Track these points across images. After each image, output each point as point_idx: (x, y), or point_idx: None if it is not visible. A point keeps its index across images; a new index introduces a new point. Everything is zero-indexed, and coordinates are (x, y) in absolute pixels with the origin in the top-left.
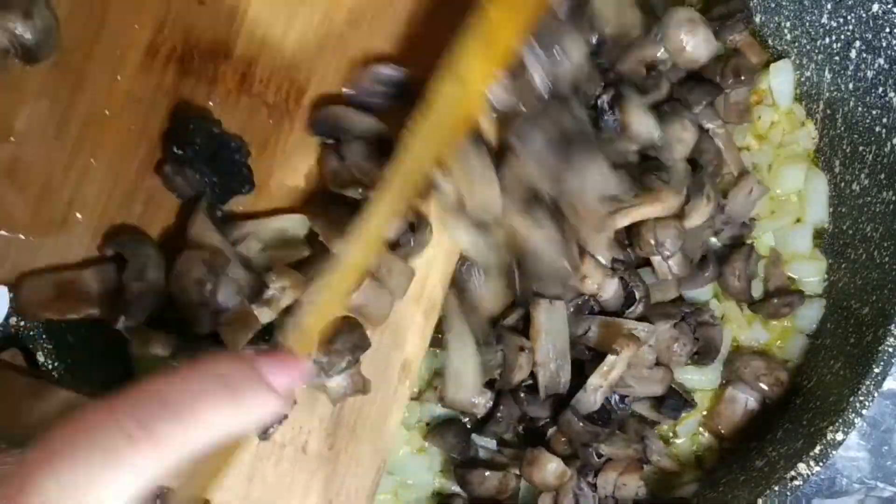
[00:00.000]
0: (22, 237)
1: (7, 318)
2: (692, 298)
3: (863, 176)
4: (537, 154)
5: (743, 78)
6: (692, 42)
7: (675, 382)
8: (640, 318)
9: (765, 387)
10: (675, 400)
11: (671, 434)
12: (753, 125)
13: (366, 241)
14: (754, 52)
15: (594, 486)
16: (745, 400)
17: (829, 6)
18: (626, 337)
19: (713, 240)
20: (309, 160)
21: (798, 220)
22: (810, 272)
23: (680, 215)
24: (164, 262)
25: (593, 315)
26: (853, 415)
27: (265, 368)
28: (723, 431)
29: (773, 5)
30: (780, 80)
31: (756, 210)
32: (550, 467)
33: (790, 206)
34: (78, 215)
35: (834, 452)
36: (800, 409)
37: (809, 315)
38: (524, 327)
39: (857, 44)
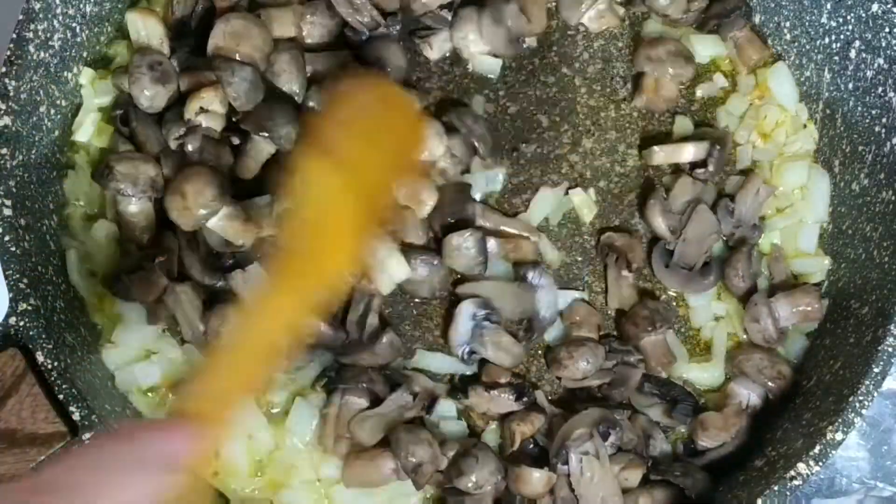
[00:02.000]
0: None
1: (7, 317)
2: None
3: (862, 176)
4: None
5: None
6: None
7: (683, 381)
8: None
9: (768, 381)
10: (686, 404)
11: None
12: (759, 123)
13: (257, 329)
14: (755, 48)
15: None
16: (747, 396)
17: (828, 6)
18: None
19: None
20: None
21: (800, 220)
22: (814, 269)
23: None
24: None
25: None
26: (853, 414)
27: (160, 442)
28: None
29: (772, 5)
30: (779, 82)
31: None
32: (535, 478)
33: (798, 205)
34: None
35: (833, 452)
36: (800, 409)
37: None
38: None
39: (857, 44)
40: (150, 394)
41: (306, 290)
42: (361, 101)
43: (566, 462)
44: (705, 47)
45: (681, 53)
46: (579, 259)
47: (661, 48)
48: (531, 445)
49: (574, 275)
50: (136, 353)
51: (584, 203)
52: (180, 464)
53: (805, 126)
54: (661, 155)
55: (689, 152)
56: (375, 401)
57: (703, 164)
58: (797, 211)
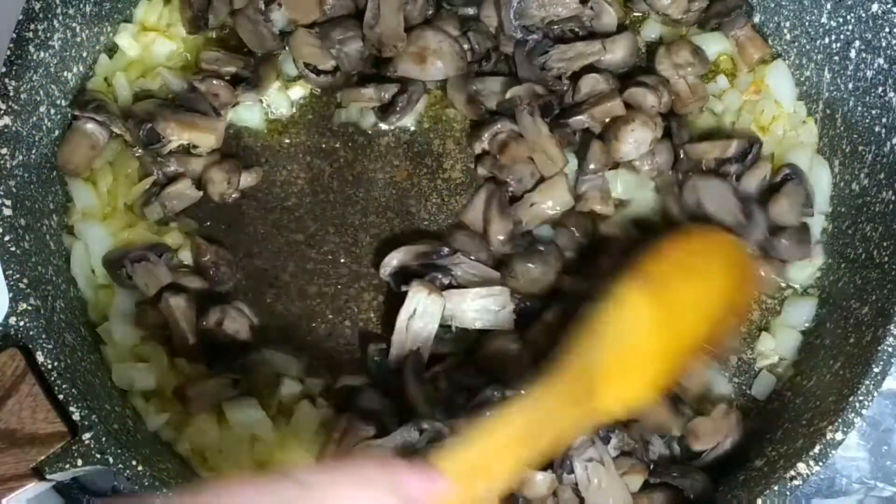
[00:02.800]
0: None
1: (7, 317)
2: None
3: (862, 176)
4: None
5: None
6: None
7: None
8: None
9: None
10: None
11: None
12: (757, 117)
13: (529, 423)
14: (757, 46)
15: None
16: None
17: (828, 6)
18: None
19: None
20: None
21: None
22: (802, 265)
23: None
24: None
25: None
26: (853, 414)
27: (404, 476)
28: None
29: (772, 5)
30: (777, 80)
31: None
32: (538, 480)
33: None
34: None
35: (833, 452)
36: (800, 408)
37: (801, 312)
38: None
39: (857, 44)
40: (148, 399)
41: (588, 401)
42: (695, 247)
43: (571, 471)
44: (709, 45)
45: (697, 52)
46: None
47: (682, 52)
48: None
49: None
50: (123, 352)
51: None
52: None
53: (805, 122)
54: (708, 150)
55: (732, 148)
56: (381, 430)
57: (732, 160)
58: None
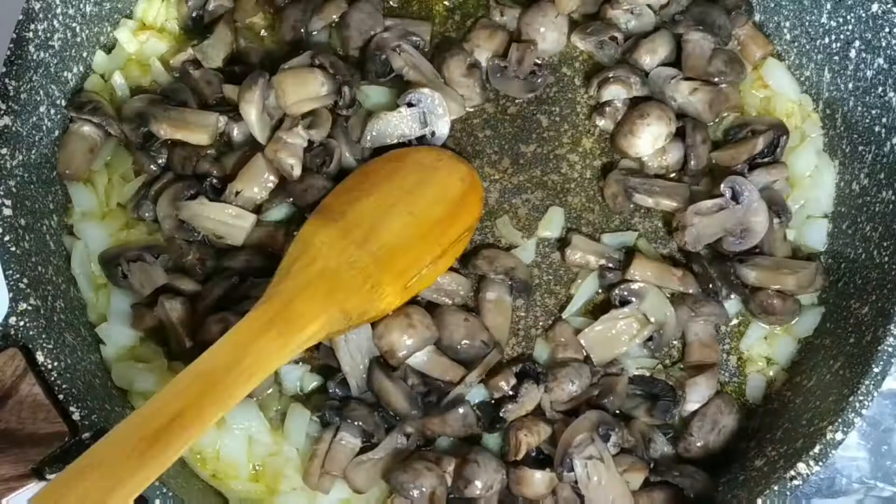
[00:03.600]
0: None
1: (7, 317)
2: None
3: (862, 176)
4: None
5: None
6: None
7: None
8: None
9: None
10: (666, 400)
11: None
12: (771, 113)
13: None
14: (759, 44)
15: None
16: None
17: (828, 6)
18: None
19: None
20: None
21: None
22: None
23: None
24: None
25: None
26: (853, 414)
27: None
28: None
29: (772, 5)
30: (776, 78)
31: None
32: (537, 479)
33: (803, 193)
34: None
35: (833, 452)
36: (800, 408)
37: (805, 321)
38: None
39: (857, 43)
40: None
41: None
42: (389, 168)
43: (571, 469)
44: None
45: (735, 59)
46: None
47: (716, 59)
48: (534, 453)
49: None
50: (123, 353)
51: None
52: None
53: (810, 115)
54: (737, 155)
55: (759, 144)
56: (368, 439)
57: (764, 152)
58: (802, 196)
